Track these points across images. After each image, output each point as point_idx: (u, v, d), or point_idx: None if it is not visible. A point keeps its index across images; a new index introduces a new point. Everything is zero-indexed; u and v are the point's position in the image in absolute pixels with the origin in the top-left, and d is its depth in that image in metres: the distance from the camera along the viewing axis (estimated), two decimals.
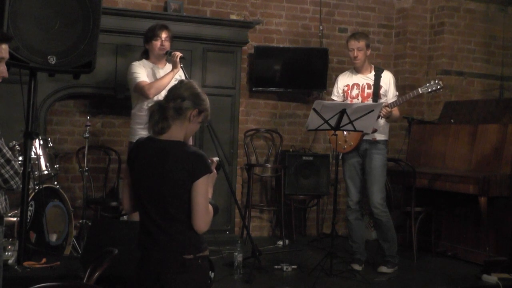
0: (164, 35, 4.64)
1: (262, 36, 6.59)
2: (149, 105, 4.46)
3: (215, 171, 2.63)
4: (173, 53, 4.57)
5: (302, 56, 6.60)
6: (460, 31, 6.94)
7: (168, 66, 4.70)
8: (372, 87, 5.01)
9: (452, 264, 5.49)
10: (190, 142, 4.73)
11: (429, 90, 4.97)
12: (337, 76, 6.90)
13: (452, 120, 6.11)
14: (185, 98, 2.55)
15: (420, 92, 4.99)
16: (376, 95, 4.99)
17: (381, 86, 5.01)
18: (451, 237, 5.83)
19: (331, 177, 6.27)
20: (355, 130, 4.72)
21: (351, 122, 4.64)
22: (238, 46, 6.02)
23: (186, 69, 4.70)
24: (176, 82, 4.49)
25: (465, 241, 5.67)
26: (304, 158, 6.39)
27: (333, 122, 4.65)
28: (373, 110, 4.63)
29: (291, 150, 6.57)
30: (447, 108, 6.39)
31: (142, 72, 4.59)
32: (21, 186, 2.65)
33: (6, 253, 3.67)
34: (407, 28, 6.96)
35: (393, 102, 4.94)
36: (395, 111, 5.01)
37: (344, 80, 5.17)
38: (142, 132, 4.47)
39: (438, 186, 5.63)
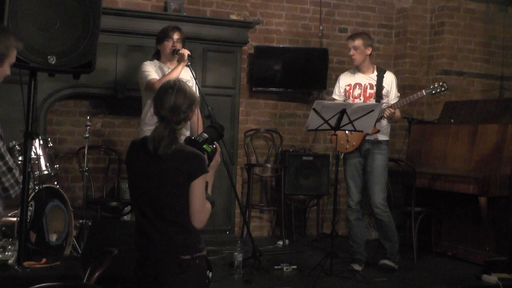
0: (176, 36, 4.66)
1: (262, 36, 6.59)
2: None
3: (218, 158, 2.66)
4: (181, 51, 4.59)
5: (302, 56, 6.60)
6: (460, 31, 6.94)
7: None
8: (375, 88, 5.00)
9: (452, 264, 5.49)
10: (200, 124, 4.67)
11: (433, 92, 4.94)
12: (337, 76, 6.91)
13: (452, 120, 6.11)
14: (184, 110, 2.52)
15: (424, 94, 4.97)
16: (379, 95, 4.98)
17: (383, 87, 5.01)
18: (451, 237, 5.83)
19: (331, 177, 6.27)
20: (355, 130, 4.72)
21: (351, 122, 4.64)
22: (238, 46, 6.02)
23: (186, 69, 4.71)
24: (189, 83, 4.49)
25: (465, 241, 5.67)
26: (304, 158, 6.39)
27: (333, 122, 4.65)
28: (373, 110, 4.63)
29: (291, 150, 6.57)
30: (447, 108, 6.39)
31: (152, 70, 4.62)
32: (18, 193, 2.63)
33: (6, 253, 3.67)
34: (407, 28, 6.96)
35: (396, 103, 4.93)
36: (397, 112, 5.00)
37: (346, 80, 5.16)
38: None
39: (438, 186, 5.63)
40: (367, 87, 5.04)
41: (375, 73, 5.07)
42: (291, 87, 6.62)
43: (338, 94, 5.19)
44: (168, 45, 4.65)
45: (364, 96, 5.03)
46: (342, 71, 6.86)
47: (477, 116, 5.99)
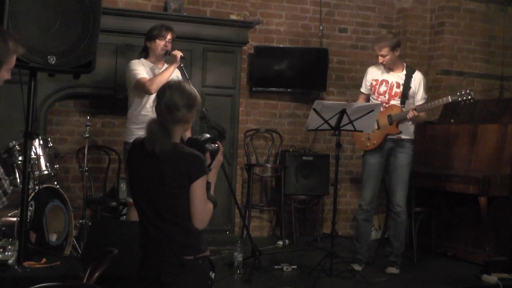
0: (169, 36, 4.65)
1: (262, 36, 6.59)
2: (148, 105, 4.50)
3: (221, 157, 2.66)
4: (173, 52, 4.58)
5: (302, 56, 6.60)
6: (460, 31, 6.94)
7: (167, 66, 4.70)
8: (402, 87, 4.91)
9: (452, 264, 5.49)
10: (189, 133, 4.69)
11: (459, 99, 4.79)
12: (337, 76, 6.92)
13: (452, 120, 6.10)
14: (180, 108, 2.51)
15: (450, 100, 4.82)
16: (405, 96, 4.90)
17: (410, 87, 4.91)
18: (451, 237, 5.82)
19: (331, 177, 6.27)
20: (355, 130, 4.72)
21: (351, 122, 4.64)
22: (238, 46, 6.02)
23: (186, 69, 4.71)
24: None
25: (465, 241, 5.67)
26: (304, 158, 6.39)
27: (333, 122, 4.65)
28: (373, 110, 4.63)
29: (291, 150, 6.57)
30: (447, 108, 6.39)
31: (141, 69, 4.60)
32: (6, 204, 2.61)
33: (6, 253, 3.67)
34: (407, 28, 6.96)
35: (420, 106, 4.83)
36: (422, 114, 4.91)
37: (373, 74, 5.05)
38: (138, 132, 4.45)
39: (438, 186, 5.63)
40: (393, 85, 4.94)
41: (404, 71, 4.96)
42: (291, 87, 6.62)
43: (364, 87, 5.10)
44: (160, 44, 4.63)
45: (390, 94, 4.95)
46: (342, 71, 6.91)
47: (477, 116, 5.99)
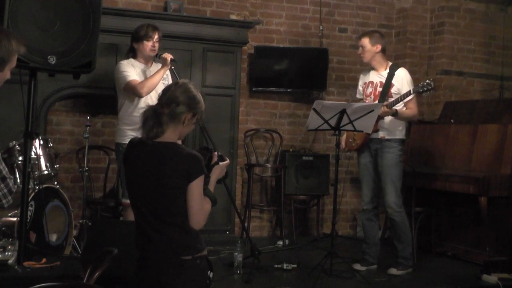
0: (156, 36, 4.61)
1: (262, 36, 6.59)
2: (139, 105, 4.50)
3: (224, 168, 2.73)
4: (163, 55, 4.55)
5: (302, 56, 6.60)
6: (460, 31, 6.94)
7: (156, 65, 4.68)
8: (383, 86, 4.94)
9: (452, 264, 5.49)
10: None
11: (420, 90, 4.78)
12: (337, 76, 6.93)
13: (452, 120, 6.10)
14: (179, 103, 2.53)
15: (412, 92, 4.81)
16: (385, 94, 4.90)
17: (393, 85, 4.90)
18: (451, 237, 5.83)
19: (331, 177, 6.27)
20: (355, 130, 4.72)
21: (351, 122, 4.64)
22: (238, 46, 6.02)
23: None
24: (164, 82, 4.55)
25: (465, 241, 5.67)
26: (304, 158, 6.39)
27: (333, 122, 4.66)
28: (373, 110, 4.63)
29: (291, 150, 6.57)
30: (447, 108, 6.39)
31: (131, 71, 4.56)
32: (11, 202, 2.61)
33: (6, 253, 3.68)
34: (407, 28, 6.96)
35: (390, 103, 4.82)
36: (409, 111, 4.89)
37: (362, 78, 5.15)
38: (130, 133, 4.44)
39: (438, 186, 5.63)
40: (377, 85, 4.97)
41: (387, 70, 4.97)
42: (291, 87, 6.62)
43: (359, 93, 5.19)
44: (148, 45, 4.59)
45: (374, 94, 4.98)
46: (342, 71, 6.91)
47: (477, 116, 5.99)
